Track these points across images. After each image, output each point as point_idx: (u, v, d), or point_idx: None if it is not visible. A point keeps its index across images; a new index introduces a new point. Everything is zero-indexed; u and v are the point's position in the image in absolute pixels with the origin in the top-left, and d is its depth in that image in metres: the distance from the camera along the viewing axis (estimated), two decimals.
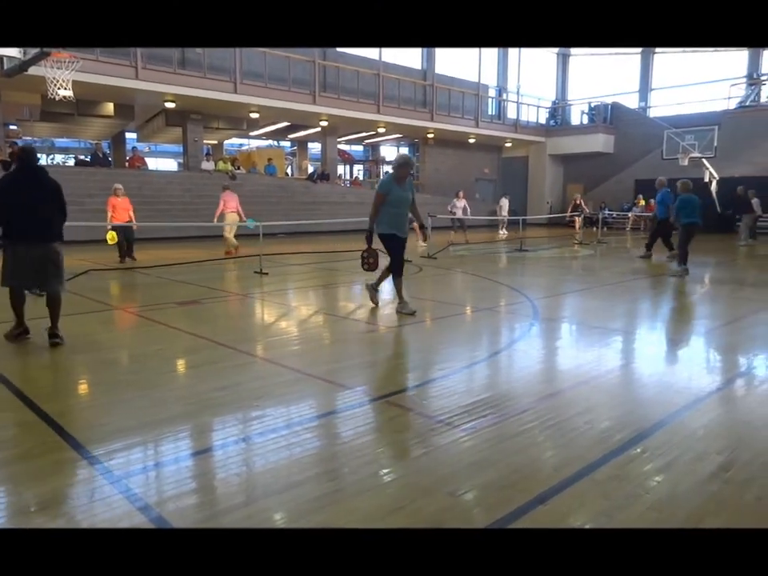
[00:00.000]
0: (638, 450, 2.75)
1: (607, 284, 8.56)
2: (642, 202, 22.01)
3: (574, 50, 28.93)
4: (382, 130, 21.94)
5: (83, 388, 3.94)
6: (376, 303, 6.38)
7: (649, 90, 27.11)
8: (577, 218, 19.20)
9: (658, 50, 25.99)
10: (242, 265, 10.66)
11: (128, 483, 2.43)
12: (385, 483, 2.49)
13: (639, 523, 2.13)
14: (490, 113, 25.36)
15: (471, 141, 24.34)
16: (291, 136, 24.73)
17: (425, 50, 22.83)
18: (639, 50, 26.22)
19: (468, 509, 2.31)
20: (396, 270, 6.02)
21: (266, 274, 9.01)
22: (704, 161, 18.88)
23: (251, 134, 24.44)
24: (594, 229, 18.17)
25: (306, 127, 22.12)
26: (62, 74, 9.15)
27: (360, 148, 31.07)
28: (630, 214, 22.08)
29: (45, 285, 4.80)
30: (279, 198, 18.89)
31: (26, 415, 3.22)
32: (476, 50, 22.52)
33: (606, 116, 25.67)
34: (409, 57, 22.44)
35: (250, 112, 17.97)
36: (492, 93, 26.36)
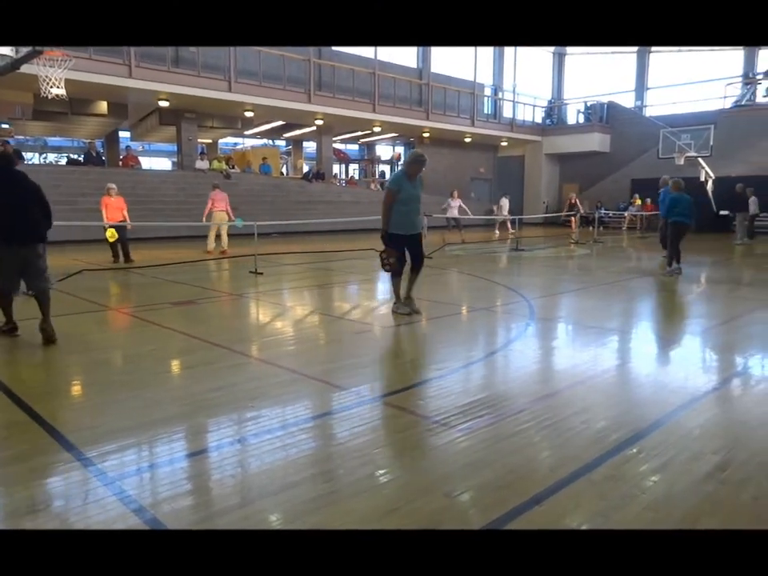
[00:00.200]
0: (634, 450, 2.75)
1: (603, 283, 8.57)
2: (639, 202, 22.06)
3: (569, 49, 28.97)
4: (377, 129, 21.90)
5: (76, 388, 3.91)
6: (415, 311, 5.87)
7: (645, 89, 27.16)
8: (573, 218, 19.23)
9: (653, 49, 26.03)
10: (236, 265, 10.62)
11: (122, 485, 2.41)
12: (381, 484, 2.48)
13: (635, 524, 2.13)
14: (485, 112, 25.36)
15: (467, 140, 24.32)
16: (286, 135, 24.66)
17: (420, 48, 22.82)
18: (635, 49, 26.26)
19: (464, 510, 2.30)
20: (395, 271, 5.80)
21: (261, 273, 8.98)
22: (700, 160, 18.91)
23: (246, 132, 24.38)
24: (591, 228, 18.20)
25: (301, 126, 22.07)
26: (55, 72, 9.07)
27: (355, 147, 31.01)
28: (626, 214, 22.14)
29: (29, 285, 4.91)
30: (274, 197, 18.84)
31: (18, 416, 3.19)
32: (472, 48, 22.50)
33: (602, 115, 25.72)
34: (404, 55, 22.41)
35: (245, 111, 17.91)
36: (488, 92, 26.34)
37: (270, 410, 3.30)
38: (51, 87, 9.27)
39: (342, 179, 26.43)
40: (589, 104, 26.39)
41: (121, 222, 10.35)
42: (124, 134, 23.29)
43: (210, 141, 24.20)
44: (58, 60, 9.11)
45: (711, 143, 19.03)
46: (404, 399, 3.55)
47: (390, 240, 5.73)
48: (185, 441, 2.98)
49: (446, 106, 22.34)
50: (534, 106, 27.51)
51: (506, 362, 4.51)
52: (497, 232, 19.72)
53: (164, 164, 32.49)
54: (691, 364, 4.52)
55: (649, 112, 26.50)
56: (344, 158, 29.73)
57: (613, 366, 4.39)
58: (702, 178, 19.11)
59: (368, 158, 30.28)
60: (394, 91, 20.57)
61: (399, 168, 6.99)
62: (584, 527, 2.12)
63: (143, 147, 30.99)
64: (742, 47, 22.87)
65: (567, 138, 26.10)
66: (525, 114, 26.92)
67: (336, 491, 2.38)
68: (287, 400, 3.51)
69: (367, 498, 2.32)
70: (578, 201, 19.25)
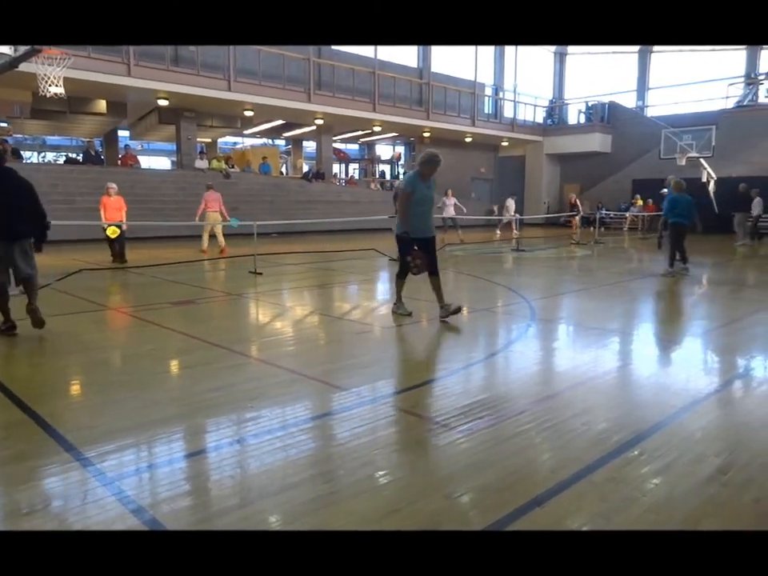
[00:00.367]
0: (636, 452, 2.74)
1: (604, 284, 8.56)
2: (640, 202, 22.05)
3: (571, 49, 28.96)
4: (377, 129, 21.89)
5: (75, 388, 3.90)
6: (454, 312, 5.70)
7: (646, 89, 27.13)
8: (573, 218, 19.22)
9: (655, 48, 26.03)
10: (236, 265, 10.61)
11: (121, 485, 2.40)
12: (381, 485, 2.46)
13: (637, 525, 2.12)
14: (486, 111, 25.36)
15: (468, 140, 24.31)
16: (286, 134, 24.66)
17: (421, 47, 22.81)
18: (636, 48, 26.25)
19: (465, 511, 2.29)
20: (401, 271, 5.87)
21: (261, 273, 8.97)
22: (701, 160, 18.90)
23: (245, 132, 24.36)
24: (591, 229, 18.19)
25: (300, 125, 22.05)
26: (53, 70, 9.04)
27: (355, 147, 31.01)
28: (627, 214, 22.12)
29: (17, 271, 4.93)
30: (274, 197, 18.83)
31: (17, 415, 3.18)
32: (472, 48, 22.50)
33: (603, 115, 25.71)
34: (405, 55, 22.40)
35: (244, 110, 17.90)
36: (488, 91, 26.33)
37: (269, 411, 3.28)
38: (50, 86, 9.24)
39: (342, 179, 26.43)
40: (590, 104, 26.36)
41: (118, 222, 10.32)
42: (123, 133, 23.27)
43: (210, 140, 24.17)
44: (56, 58, 9.08)
45: (713, 144, 19.02)
46: (404, 400, 3.54)
47: (402, 242, 5.70)
48: (184, 441, 2.97)
49: (446, 105, 22.33)
50: (535, 105, 27.49)
51: (507, 363, 4.50)
52: (498, 232, 19.69)
53: (163, 163, 32.48)
54: (693, 366, 4.51)
55: (650, 112, 26.48)
56: (344, 158, 29.71)
57: (614, 367, 4.38)
58: (704, 179, 19.09)
59: (368, 158, 30.28)
60: (394, 91, 20.55)
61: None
62: (585, 529, 2.11)
63: (142, 146, 30.95)
64: (744, 47, 22.85)
65: (568, 138, 26.08)
66: (526, 114, 26.91)
67: (336, 492, 2.37)
68: (287, 400, 3.50)
69: (367, 499, 2.31)
70: (578, 201, 19.25)
